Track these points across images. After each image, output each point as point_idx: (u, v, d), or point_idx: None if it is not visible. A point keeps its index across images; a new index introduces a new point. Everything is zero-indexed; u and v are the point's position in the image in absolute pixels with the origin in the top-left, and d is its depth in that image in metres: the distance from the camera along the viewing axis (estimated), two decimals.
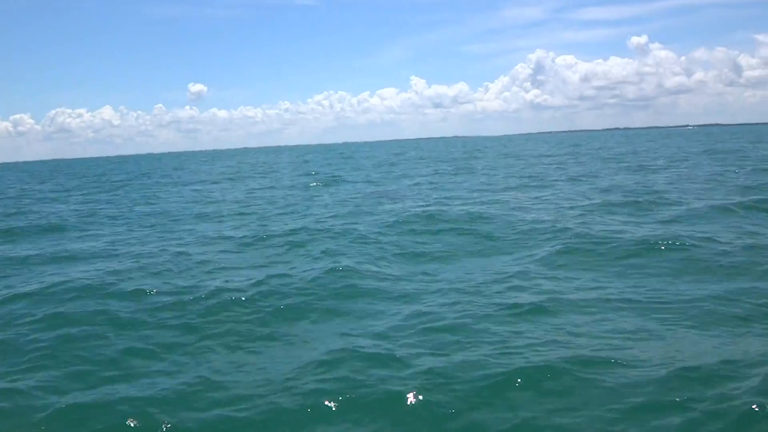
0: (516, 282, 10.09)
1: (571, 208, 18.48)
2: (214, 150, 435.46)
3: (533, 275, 10.52)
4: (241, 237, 15.94)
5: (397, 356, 6.88)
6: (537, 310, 8.34)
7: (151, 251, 14.24)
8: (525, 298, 9.03)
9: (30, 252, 15.05)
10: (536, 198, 21.85)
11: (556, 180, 29.21)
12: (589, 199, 20.39)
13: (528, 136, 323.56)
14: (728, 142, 70.30)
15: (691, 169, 31.42)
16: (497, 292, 9.41)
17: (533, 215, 17.23)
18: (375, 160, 68.25)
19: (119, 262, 13.28)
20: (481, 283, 10.03)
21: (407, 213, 18.02)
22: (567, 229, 14.63)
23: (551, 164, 43.18)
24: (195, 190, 34.83)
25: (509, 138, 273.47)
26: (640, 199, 19.44)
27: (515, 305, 8.60)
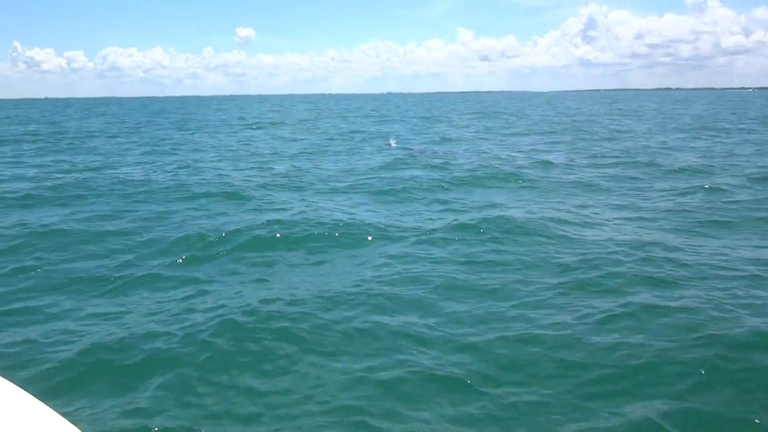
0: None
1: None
2: (259, 95, 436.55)
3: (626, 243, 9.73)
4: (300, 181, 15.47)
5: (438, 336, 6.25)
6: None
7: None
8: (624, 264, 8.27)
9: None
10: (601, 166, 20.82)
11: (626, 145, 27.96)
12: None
13: (577, 94, 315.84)
14: None
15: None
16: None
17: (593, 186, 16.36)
18: (423, 110, 67.01)
19: None
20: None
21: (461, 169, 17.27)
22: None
23: (614, 125, 41.59)
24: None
25: (562, 95, 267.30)
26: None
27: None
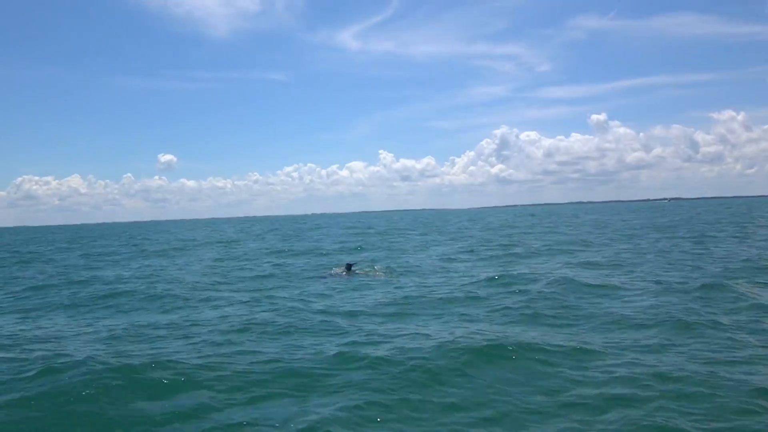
0: None
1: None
2: (181, 219, 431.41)
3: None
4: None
5: None
6: None
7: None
8: None
9: None
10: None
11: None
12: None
13: (494, 209, 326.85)
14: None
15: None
16: None
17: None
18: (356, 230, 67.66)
19: None
20: None
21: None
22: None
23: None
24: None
25: (480, 211, 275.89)
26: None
27: None
